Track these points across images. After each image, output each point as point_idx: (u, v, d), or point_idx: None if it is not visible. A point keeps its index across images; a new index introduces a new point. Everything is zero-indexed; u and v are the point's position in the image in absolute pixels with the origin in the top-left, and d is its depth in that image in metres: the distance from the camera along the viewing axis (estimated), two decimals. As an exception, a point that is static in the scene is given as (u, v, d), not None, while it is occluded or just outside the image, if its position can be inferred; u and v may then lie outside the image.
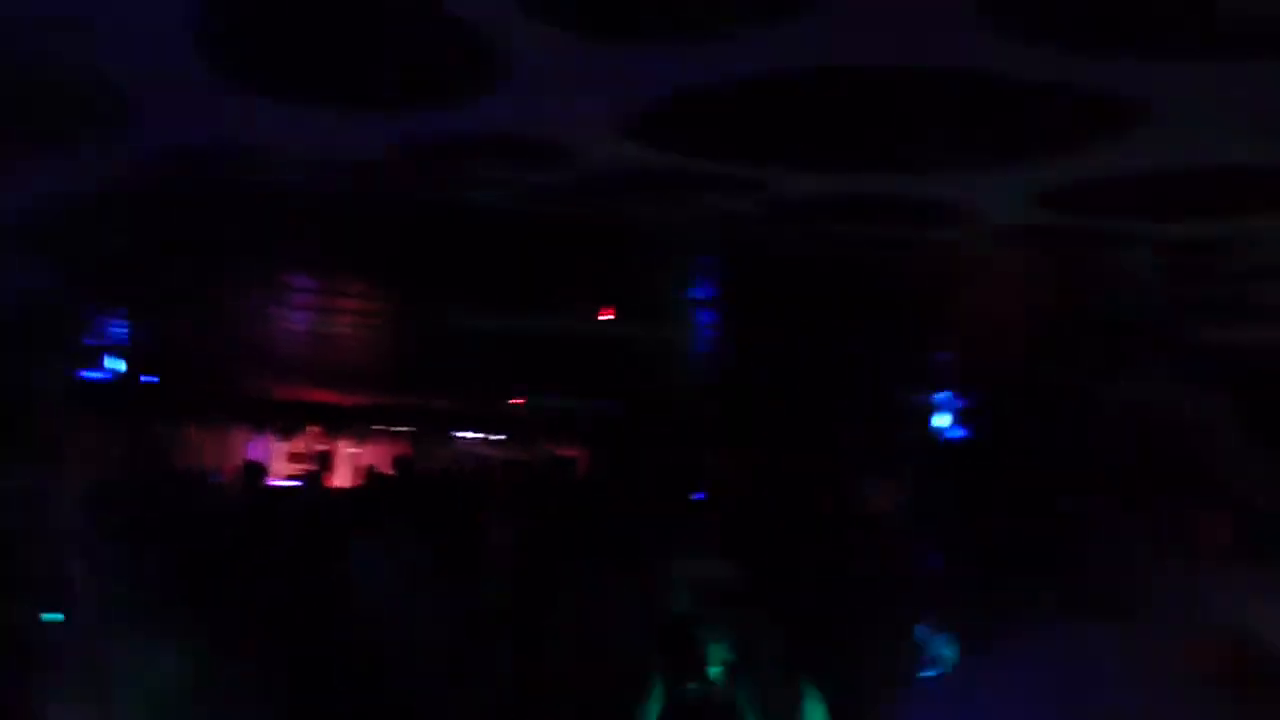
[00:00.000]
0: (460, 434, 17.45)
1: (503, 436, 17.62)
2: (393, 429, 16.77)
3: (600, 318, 7.54)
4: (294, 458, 15.22)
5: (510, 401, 16.18)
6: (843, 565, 6.45)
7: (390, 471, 11.69)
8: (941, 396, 10.69)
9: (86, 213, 3.45)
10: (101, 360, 10.00)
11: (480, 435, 17.59)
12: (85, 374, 8.92)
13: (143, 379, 11.55)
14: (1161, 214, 3.08)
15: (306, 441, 16.09)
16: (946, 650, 1.93)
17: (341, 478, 13.23)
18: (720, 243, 5.74)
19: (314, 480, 11.21)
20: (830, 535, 7.10)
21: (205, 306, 9.53)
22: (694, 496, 7.26)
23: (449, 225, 5.34)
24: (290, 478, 14.47)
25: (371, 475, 11.74)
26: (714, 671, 3.54)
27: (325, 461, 12.44)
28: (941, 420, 11.00)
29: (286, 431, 15.63)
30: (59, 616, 3.35)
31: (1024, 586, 1.97)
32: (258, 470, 10.59)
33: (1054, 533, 2.00)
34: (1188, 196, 2.87)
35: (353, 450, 16.18)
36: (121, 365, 10.62)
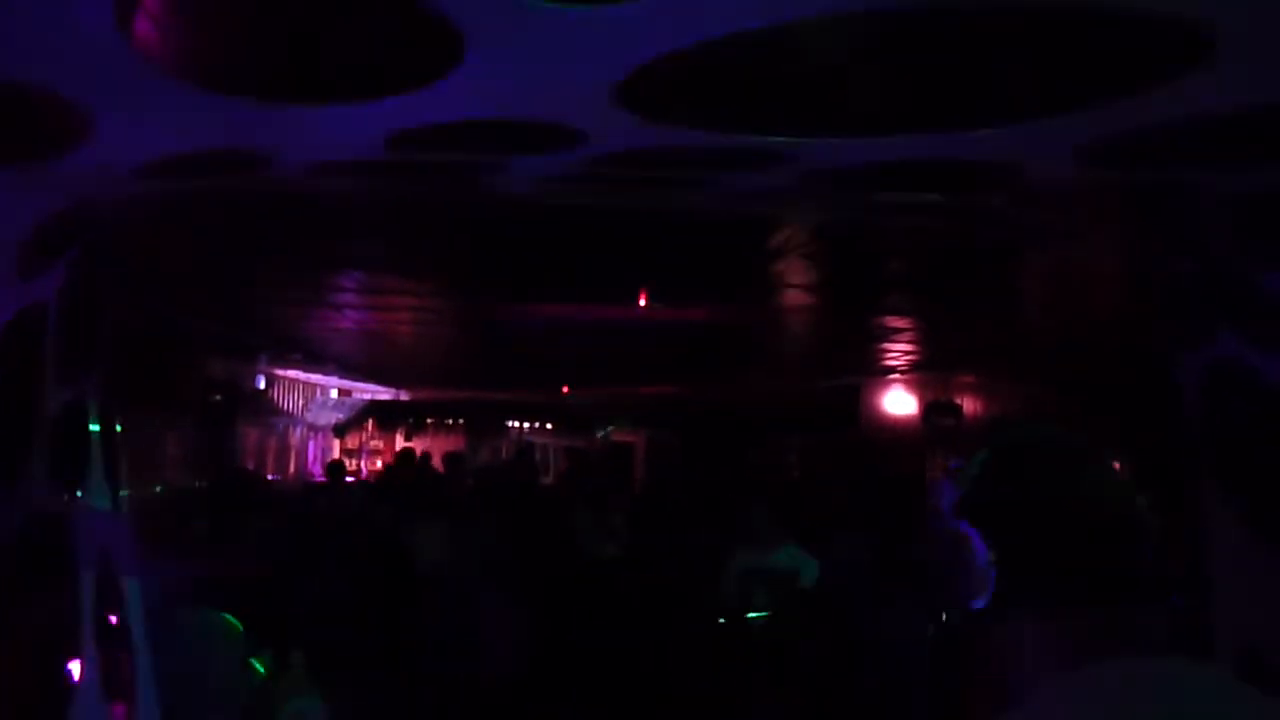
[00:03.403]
0: (515, 424, 17.41)
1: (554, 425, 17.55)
2: (448, 421, 16.77)
3: (641, 303, 7.35)
4: (349, 454, 15.30)
5: (565, 390, 16.05)
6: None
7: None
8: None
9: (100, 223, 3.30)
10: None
11: (536, 424, 17.54)
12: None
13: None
14: (1234, 160, 2.77)
15: (361, 438, 16.15)
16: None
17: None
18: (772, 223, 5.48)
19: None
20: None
21: (249, 306, 9.51)
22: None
23: (475, 215, 5.17)
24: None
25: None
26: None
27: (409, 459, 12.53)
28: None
29: (341, 428, 15.69)
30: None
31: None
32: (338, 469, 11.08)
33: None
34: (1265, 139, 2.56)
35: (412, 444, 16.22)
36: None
